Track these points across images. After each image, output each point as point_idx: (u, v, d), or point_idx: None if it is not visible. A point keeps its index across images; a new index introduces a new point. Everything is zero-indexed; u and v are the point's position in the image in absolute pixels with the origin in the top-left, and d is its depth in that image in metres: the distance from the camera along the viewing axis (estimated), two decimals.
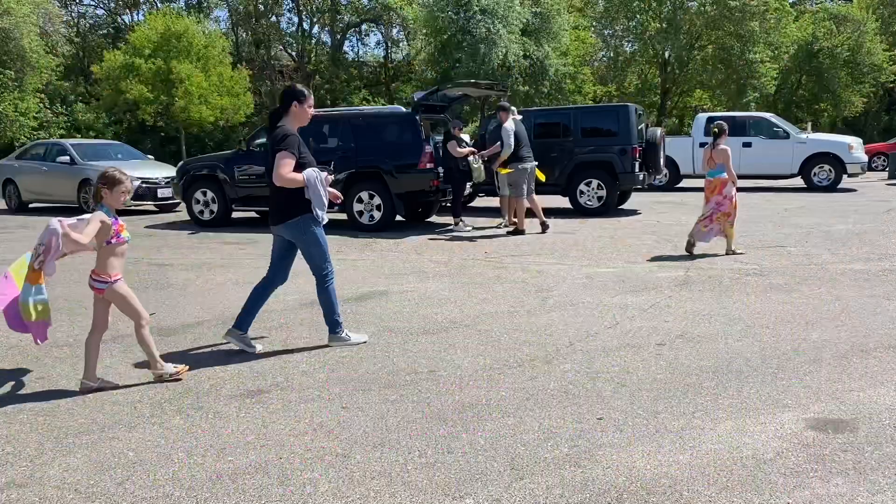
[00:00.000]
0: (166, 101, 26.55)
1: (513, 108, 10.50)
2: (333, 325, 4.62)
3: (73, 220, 3.72)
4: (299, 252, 4.59)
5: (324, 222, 4.45)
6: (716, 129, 7.80)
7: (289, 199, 4.32)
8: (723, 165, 7.65)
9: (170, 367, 4.04)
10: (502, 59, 27.56)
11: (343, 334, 4.63)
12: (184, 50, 26.82)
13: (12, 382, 4.04)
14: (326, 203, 4.40)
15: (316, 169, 4.35)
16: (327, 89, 40.02)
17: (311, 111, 4.44)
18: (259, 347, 4.58)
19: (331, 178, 4.50)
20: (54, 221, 3.63)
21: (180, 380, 4.01)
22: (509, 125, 9.70)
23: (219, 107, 27.35)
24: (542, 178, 10.46)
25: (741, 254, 7.74)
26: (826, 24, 33.23)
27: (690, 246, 7.78)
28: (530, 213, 9.95)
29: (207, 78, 26.95)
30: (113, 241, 3.80)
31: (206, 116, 26.93)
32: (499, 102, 10.68)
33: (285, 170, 4.17)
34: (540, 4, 29.55)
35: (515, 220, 10.07)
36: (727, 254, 7.73)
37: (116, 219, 3.82)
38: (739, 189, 8.23)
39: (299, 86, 4.49)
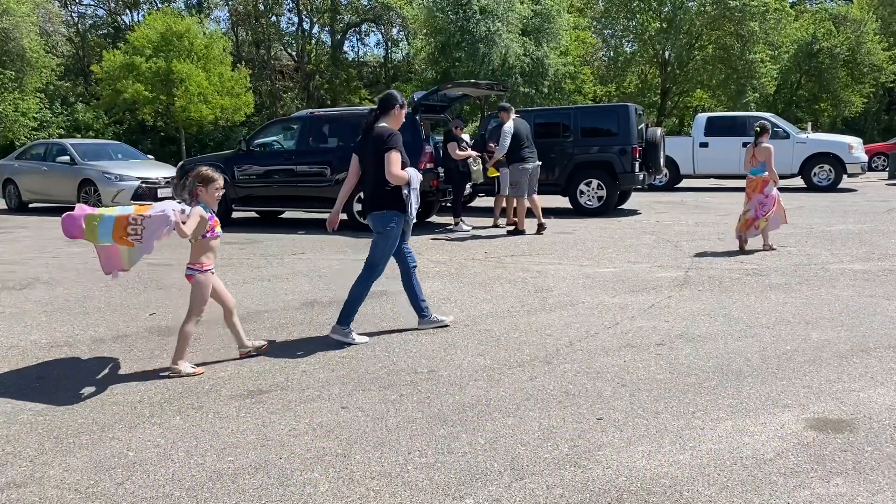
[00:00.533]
0: (166, 101, 26.56)
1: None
2: (345, 319, 4.71)
3: (180, 208, 4.01)
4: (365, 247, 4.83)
5: (412, 220, 4.79)
6: (758, 128, 7.99)
7: (384, 193, 4.64)
8: (764, 164, 7.81)
9: (187, 368, 4.13)
10: (502, 59, 27.55)
11: (348, 330, 4.70)
12: (184, 50, 26.83)
13: (13, 382, 4.04)
14: (418, 202, 4.77)
15: (415, 169, 4.74)
16: (327, 89, 40.03)
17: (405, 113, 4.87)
18: (449, 319, 5.08)
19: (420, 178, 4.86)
20: (169, 210, 3.90)
21: (183, 375, 4.09)
22: (508, 126, 9.71)
23: (219, 106, 27.36)
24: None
25: (775, 249, 7.94)
26: (826, 24, 33.24)
27: (742, 243, 7.95)
28: (530, 213, 9.96)
29: (208, 77, 26.96)
30: (207, 235, 4.13)
31: (206, 115, 26.93)
32: (500, 103, 10.69)
33: (396, 167, 4.53)
34: (540, 3, 29.54)
35: (516, 219, 10.08)
36: (764, 249, 7.91)
37: (212, 214, 4.15)
38: (739, 189, 8.25)
39: (397, 92, 4.89)
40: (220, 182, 4.19)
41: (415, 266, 4.95)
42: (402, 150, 4.58)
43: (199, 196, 4.11)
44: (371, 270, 4.73)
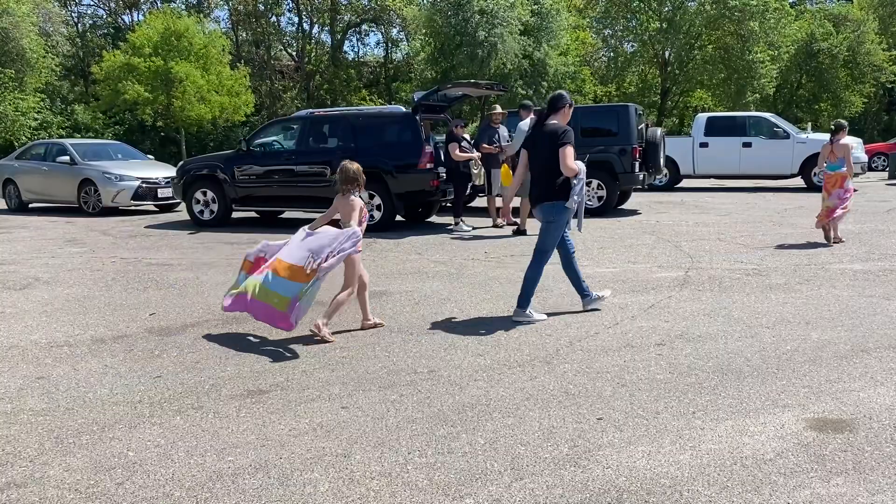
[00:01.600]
0: (165, 101, 26.55)
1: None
2: (524, 302, 5.15)
3: (359, 210, 4.80)
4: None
5: (573, 209, 5.12)
6: (833, 126, 8.48)
7: (554, 185, 5.03)
8: (843, 160, 8.18)
9: (327, 332, 4.70)
10: (502, 60, 27.53)
11: (527, 311, 5.14)
12: (184, 50, 26.82)
13: (12, 382, 4.03)
14: (584, 195, 5.21)
15: (581, 162, 5.07)
16: (327, 89, 40.02)
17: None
18: (607, 292, 5.55)
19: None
20: (356, 229, 4.69)
21: (329, 342, 4.68)
22: (523, 125, 9.74)
23: (217, 106, 27.33)
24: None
25: (843, 241, 8.28)
26: (826, 24, 33.24)
27: (827, 232, 8.30)
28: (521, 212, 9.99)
29: (206, 77, 26.94)
30: (364, 222, 4.87)
31: (205, 115, 26.91)
32: (521, 101, 10.86)
33: (571, 159, 4.91)
34: (539, 3, 29.53)
35: (516, 220, 10.08)
36: (833, 243, 8.20)
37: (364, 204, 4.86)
38: (739, 189, 8.36)
39: (566, 92, 5.32)
40: (363, 176, 5.00)
41: (573, 252, 5.39)
42: (574, 145, 5.01)
43: (359, 188, 4.84)
44: (542, 255, 5.18)
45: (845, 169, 8.17)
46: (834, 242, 8.20)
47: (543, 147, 5.03)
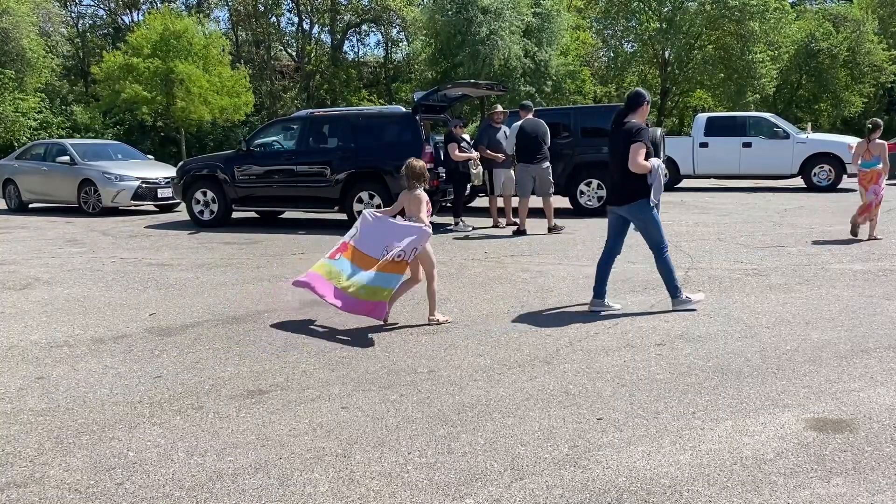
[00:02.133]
0: (165, 101, 26.54)
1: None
2: (674, 291, 5.27)
3: (425, 203, 5.13)
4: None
5: (657, 204, 5.21)
6: (870, 125, 8.81)
7: (632, 184, 5.12)
8: (879, 157, 8.56)
9: (440, 317, 5.14)
10: (503, 61, 27.52)
11: (684, 297, 5.28)
12: (183, 50, 26.81)
13: (12, 382, 4.03)
14: (662, 189, 5.25)
15: (658, 160, 5.20)
16: (327, 89, 40.02)
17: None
18: (618, 306, 5.38)
19: (665, 169, 5.44)
20: (425, 227, 4.96)
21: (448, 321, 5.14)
22: (516, 124, 9.80)
23: (218, 106, 27.32)
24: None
25: (880, 239, 8.47)
26: (825, 24, 33.23)
27: (855, 227, 8.60)
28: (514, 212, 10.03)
29: (207, 77, 26.93)
30: (431, 214, 5.20)
31: (204, 115, 26.90)
32: (521, 102, 10.92)
33: (641, 157, 4.98)
34: (540, 6, 29.53)
35: (515, 220, 10.08)
36: (869, 239, 8.46)
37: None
38: (739, 189, 8.40)
39: (644, 90, 5.37)
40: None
41: (617, 256, 5.49)
42: (647, 143, 5.08)
43: (424, 184, 5.22)
44: (660, 249, 5.27)
45: (881, 166, 8.54)
46: (869, 239, 8.45)
47: (620, 146, 5.10)
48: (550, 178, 9.94)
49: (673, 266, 5.32)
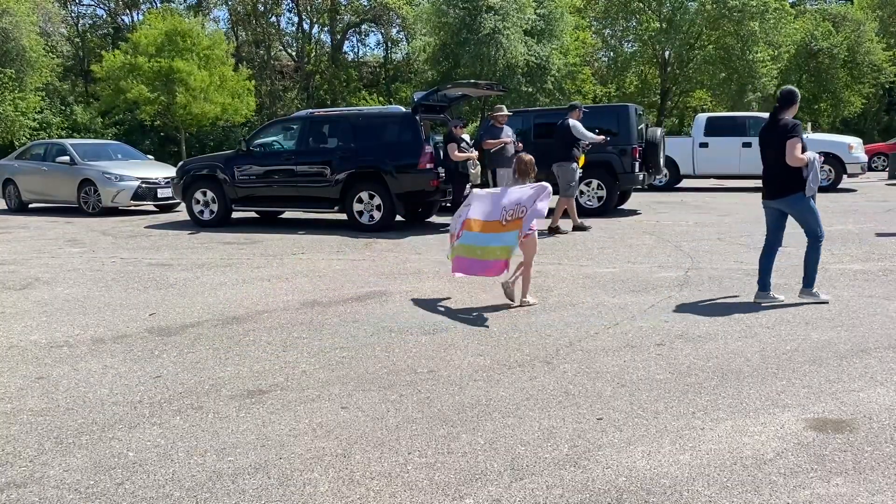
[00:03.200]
0: (166, 101, 26.51)
1: (503, 106, 10.92)
2: (811, 282, 5.52)
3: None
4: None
5: (812, 194, 5.39)
6: None
7: (788, 177, 5.36)
8: None
9: (532, 299, 5.61)
10: (506, 60, 27.52)
11: (814, 291, 5.49)
12: (187, 49, 26.79)
13: (12, 382, 4.03)
14: (819, 181, 5.45)
15: (814, 153, 5.37)
16: (327, 89, 40.01)
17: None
18: (782, 297, 5.53)
19: (822, 158, 5.64)
20: (547, 187, 5.47)
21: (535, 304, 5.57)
22: (574, 122, 9.97)
23: (220, 105, 27.30)
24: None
25: None
26: (825, 24, 33.22)
27: None
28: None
29: (210, 76, 26.91)
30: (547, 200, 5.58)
31: (208, 113, 26.87)
32: (570, 102, 11.10)
33: (798, 152, 5.22)
34: (544, 6, 29.54)
35: (577, 220, 10.06)
36: None
37: None
38: (739, 189, 8.34)
39: (795, 88, 5.58)
40: None
41: (780, 247, 5.69)
42: (802, 139, 5.29)
43: (533, 175, 5.73)
44: (816, 238, 5.50)
45: None
46: None
47: (776, 142, 5.35)
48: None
49: (819, 261, 5.57)
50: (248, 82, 29.14)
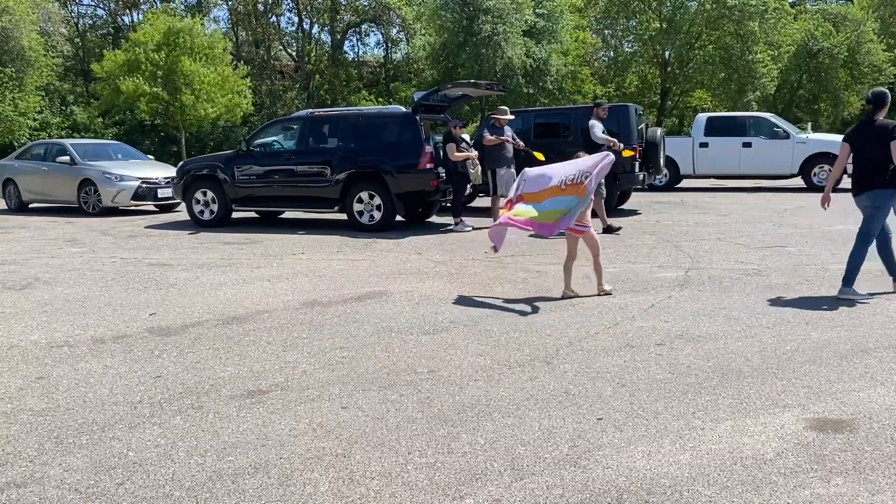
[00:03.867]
0: (167, 99, 26.49)
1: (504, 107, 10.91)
2: (850, 281, 5.61)
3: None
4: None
5: None
6: None
7: (880, 175, 5.51)
8: None
9: (608, 287, 5.98)
10: (506, 61, 27.51)
11: (852, 290, 5.57)
12: (187, 48, 26.77)
13: (12, 382, 4.04)
14: None
15: None
16: (327, 89, 40.01)
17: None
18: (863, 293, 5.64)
19: None
20: (610, 155, 5.96)
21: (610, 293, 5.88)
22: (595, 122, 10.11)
23: (221, 105, 27.29)
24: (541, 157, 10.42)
25: None
26: (825, 24, 33.21)
27: None
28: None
29: (211, 76, 26.90)
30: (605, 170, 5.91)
31: (210, 113, 26.87)
32: (595, 101, 11.16)
33: None
34: (543, 6, 29.53)
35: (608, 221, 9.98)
36: None
37: None
38: (739, 189, 8.34)
39: (886, 90, 5.72)
40: None
41: (892, 236, 5.81)
42: None
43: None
44: (866, 238, 5.66)
45: None
46: None
47: (874, 141, 5.49)
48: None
49: (862, 262, 5.65)
50: (244, 81, 29.10)
